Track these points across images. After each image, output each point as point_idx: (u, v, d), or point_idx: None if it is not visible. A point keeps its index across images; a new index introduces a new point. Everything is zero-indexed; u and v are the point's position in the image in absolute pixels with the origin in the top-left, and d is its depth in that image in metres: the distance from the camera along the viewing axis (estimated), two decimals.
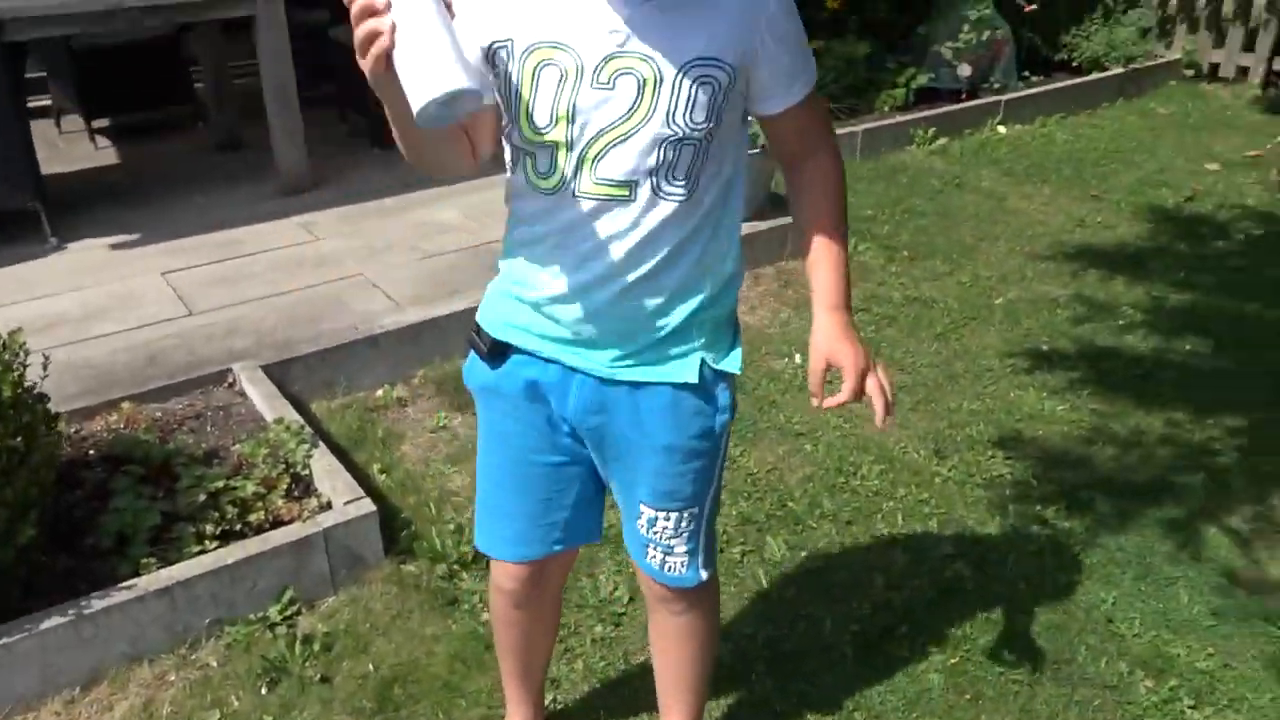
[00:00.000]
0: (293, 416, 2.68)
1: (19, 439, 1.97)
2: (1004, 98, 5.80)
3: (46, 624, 1.99)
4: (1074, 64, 6.34)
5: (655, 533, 1.50)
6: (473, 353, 1.49)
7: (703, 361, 1.39)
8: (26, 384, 2.08)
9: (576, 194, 1.26)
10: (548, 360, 1.42)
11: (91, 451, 2.55)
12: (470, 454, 2.91)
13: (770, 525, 2.54)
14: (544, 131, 1.23)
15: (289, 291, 3.54)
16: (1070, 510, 2.56)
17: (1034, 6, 6.09)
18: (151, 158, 5.15)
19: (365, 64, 1.07)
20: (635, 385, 1.40)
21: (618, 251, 1.28)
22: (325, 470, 2.48)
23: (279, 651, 2.13)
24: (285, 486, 2.42)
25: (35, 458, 2.03)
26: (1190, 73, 6.64)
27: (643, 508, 1.49)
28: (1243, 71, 6.48)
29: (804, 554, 2.44)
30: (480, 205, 4.28)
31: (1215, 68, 6.61)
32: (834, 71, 5.63)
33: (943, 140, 5.45)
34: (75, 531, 2.26)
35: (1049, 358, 3.26)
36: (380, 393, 3.16)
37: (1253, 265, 3.87)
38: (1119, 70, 6.23)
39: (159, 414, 2.76)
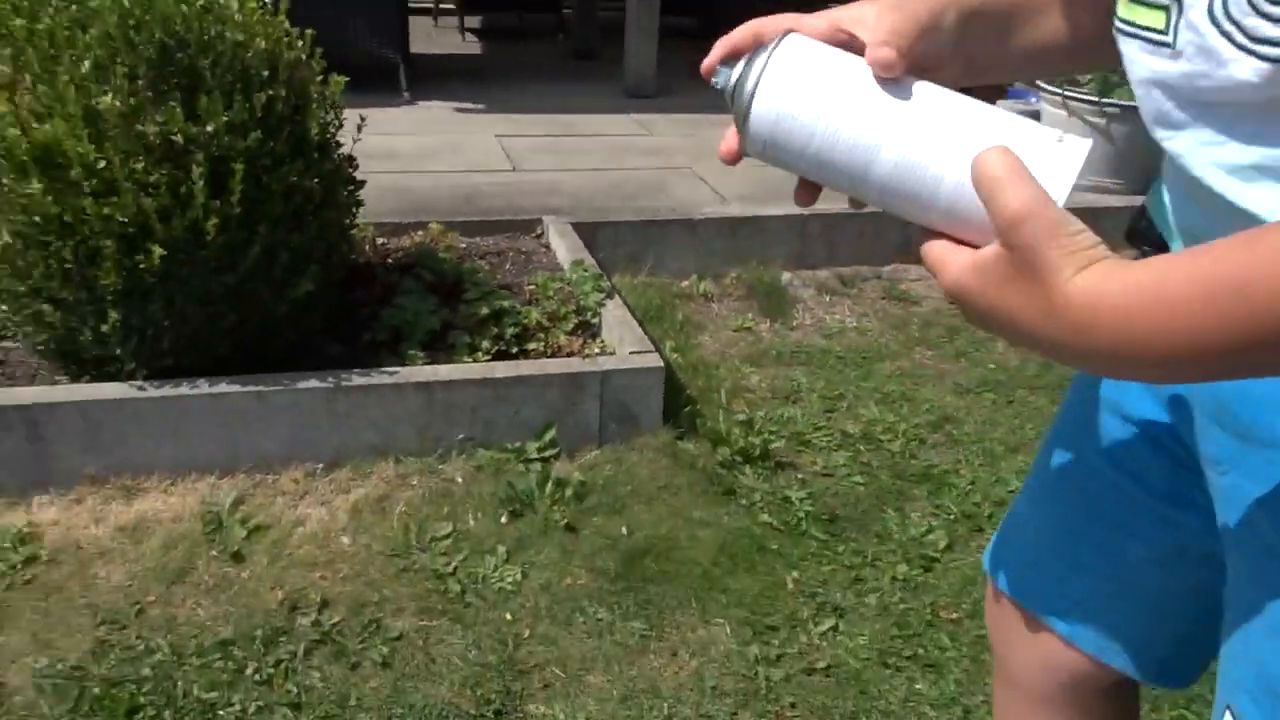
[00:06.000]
0: (593, 264, 2.43)
1: (316, 182, 1.81)
2: None
3: (303, 385, 1.82)
4: None
5: None
6: None
7: None
8: (339, 140, 1.93)
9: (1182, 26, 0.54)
10: None
11: (389, 260, 2.42)
12: (772, 359, 2.53)
13: None
14: None
15: (613, 169, 3.34)
16: None
17: None
18: (511, 53, 5.25)
19: None
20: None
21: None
22: (616, 320, 2.19)
23: (528, 486, 1.85)
24: (572, 325, 2.16)
25: (329, 213, 1.87)
26: None
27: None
28: None
29: None
30: None
31: None
32: None
33: None
34: (355, 325, 2.11)
35: None
36: (687, 282, 2.85)
37: None
38: None
39: (464, 244, 2.60)
